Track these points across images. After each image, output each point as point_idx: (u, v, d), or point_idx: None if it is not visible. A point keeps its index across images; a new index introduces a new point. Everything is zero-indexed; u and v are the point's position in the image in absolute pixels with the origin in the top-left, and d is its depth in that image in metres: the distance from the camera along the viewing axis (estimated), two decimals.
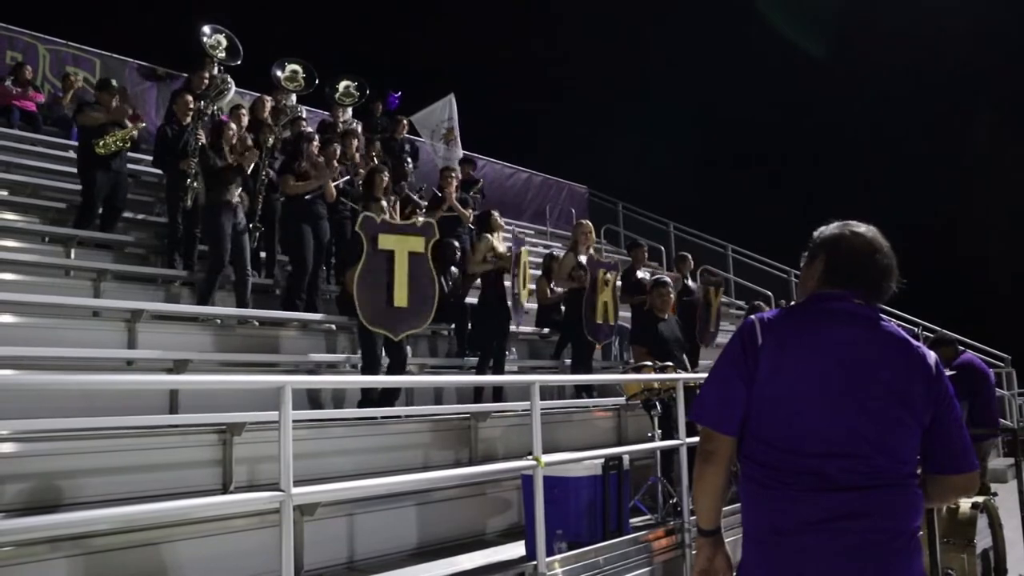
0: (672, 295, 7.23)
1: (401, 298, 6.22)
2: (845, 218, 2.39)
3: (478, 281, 8.24)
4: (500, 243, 8.17)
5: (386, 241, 6.26)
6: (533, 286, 8.83)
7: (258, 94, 10.31)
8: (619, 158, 24.01)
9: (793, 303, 2.42)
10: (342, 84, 10.63)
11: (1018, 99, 22.35)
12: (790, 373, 2.15)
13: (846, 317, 2.21)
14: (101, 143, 7.65)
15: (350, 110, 10.80)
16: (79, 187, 8.01)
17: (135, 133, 8.10)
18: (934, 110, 22.84)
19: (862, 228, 2.32)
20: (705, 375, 2.44)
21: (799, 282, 2.49)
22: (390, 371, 6.51)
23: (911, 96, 23.33)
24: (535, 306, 9.26)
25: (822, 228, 2.37)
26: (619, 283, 8.73)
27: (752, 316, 2.30)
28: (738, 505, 2.29)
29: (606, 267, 8.35)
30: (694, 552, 4.75)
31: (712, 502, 2.29)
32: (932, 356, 2.22)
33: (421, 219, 6.90)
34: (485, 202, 11.13)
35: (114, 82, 8.44)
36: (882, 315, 2.27)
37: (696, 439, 2.44)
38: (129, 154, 9.87)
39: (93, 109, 7.91)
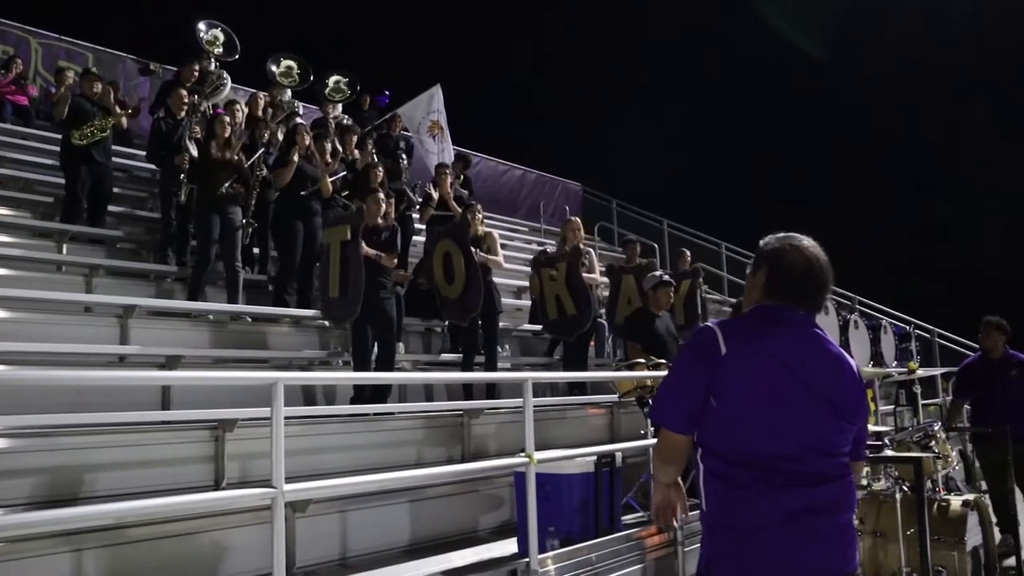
0: (673, 295, 7.33)
1: (335, 287, 6.67)
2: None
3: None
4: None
5: (325, 236, 6.98)
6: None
7: (252, 90, 10.27)
8: (614, 156, 24.01)
9: (743, 312, 2.59)
10: (332, 79, 10.56)
11: (1018, 99, 22.40)
12: (757, 381, 2.34)
13: (796, 328, 2.43)
14: (77, 133, 7.63)
15: (340, 106, 10.75)
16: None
17: (123, 121, 8.07)
18: (933, 110, 22.88)
19: (803, 242, 2.50)
20: None
21: (745, 290, 2.65)
22: (378, 366, 6.50)
23: (910, 96, 23.36)
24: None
25: (767, 238, 2.54)
26: (600, 273, 8.67)
27: (710, 323, 2.47)
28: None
29: (550, 262, 8.24)
30: (686, 551, 4.78)
31: (674, 475, 2.63)
32: (857, 365, 2.51)
33: (355, 205, 7.13)
34: (479, 198, 11.11)
35: (94, 69, 8.43)
36: (817, 325, 2.49)
37: None
38: (122, 148, 9.86)
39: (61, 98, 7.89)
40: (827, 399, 2.35)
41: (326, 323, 7.44)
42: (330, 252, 6.71)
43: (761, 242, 2.55)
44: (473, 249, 7.45)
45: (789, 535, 2.27)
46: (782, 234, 2.53)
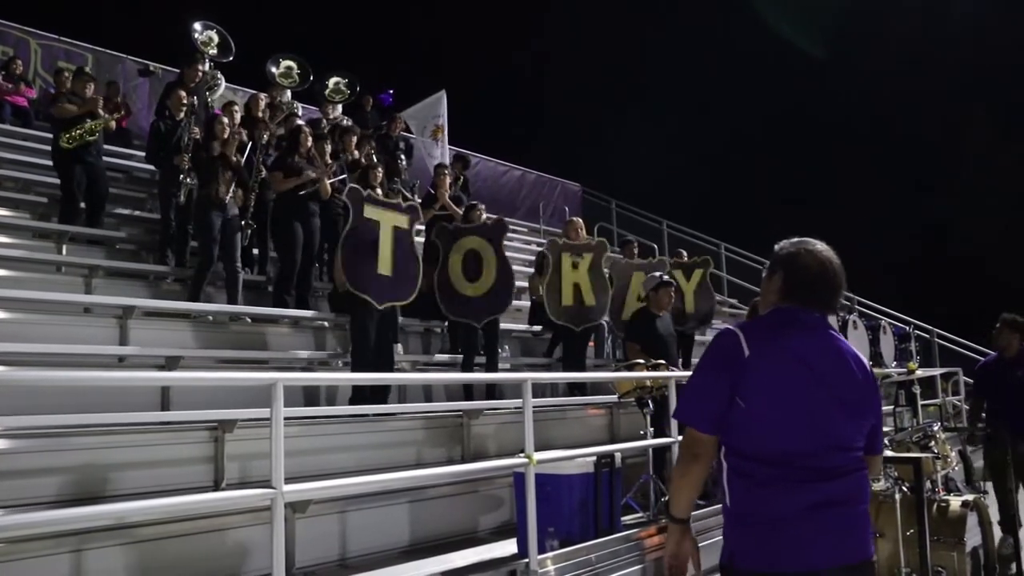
0: (674, 295, 7.33)
1: (385, 266, 6.35)
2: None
3: None
4: None
5: (371, 212, 6.42)
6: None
7: (252, 91, 10.28)
8: (613, 156, 24.01)
9: (761, 314, 2.67)
10: (332, 80, 10.61)
11: (1018, 99, 22.39)
12: (779, 382, 2.44)
13: (812, 329, 2.53)
14: (67, 136, 7.64)
15: (340, 107, 10.79)
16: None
17: (112, 124, 8.08)
18: (933, 110, 22.87)
19: (817, 246, 2.61)
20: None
21: (761, 293, 2.76)
22: (377, 367, 6.49)
23: (910, 96, 23.35)
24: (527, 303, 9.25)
25: (782, 243, 2.65)
26: (607, 270, 8.65)
27: (732, 326, 2.57)
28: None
29: (575, 249, 8.24)
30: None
31: (692, 495, 2.62)
32: (869, 363, 2.63)
33: (405, 202, 6.92)
34: (478, 199, 11.11)
35: (88, 69, 8.43)
36: (831, 326, 2.60)
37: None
38: (121, 149, 9.87)
39: (68, 101, 7.89)
40: (842, 396, 2.46)
41: (325, 323, 7.44)
42: (379, 230, 6.38)
43: (776, 246, 2.66)
44: None
45: (808, 527, 2.37)
46: (796, 239, 2.64)
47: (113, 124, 8.23)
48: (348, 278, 6.24)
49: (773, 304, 2.61)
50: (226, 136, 7.43)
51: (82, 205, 7.87)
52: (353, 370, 6.44)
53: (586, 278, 8.13)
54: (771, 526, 2.40)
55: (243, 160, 7.60)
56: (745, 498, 2.47)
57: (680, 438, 5.19)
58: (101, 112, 7.93)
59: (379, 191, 7.05)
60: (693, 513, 2.73)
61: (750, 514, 2.45)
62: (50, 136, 9.90)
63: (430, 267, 7.71)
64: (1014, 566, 5.70)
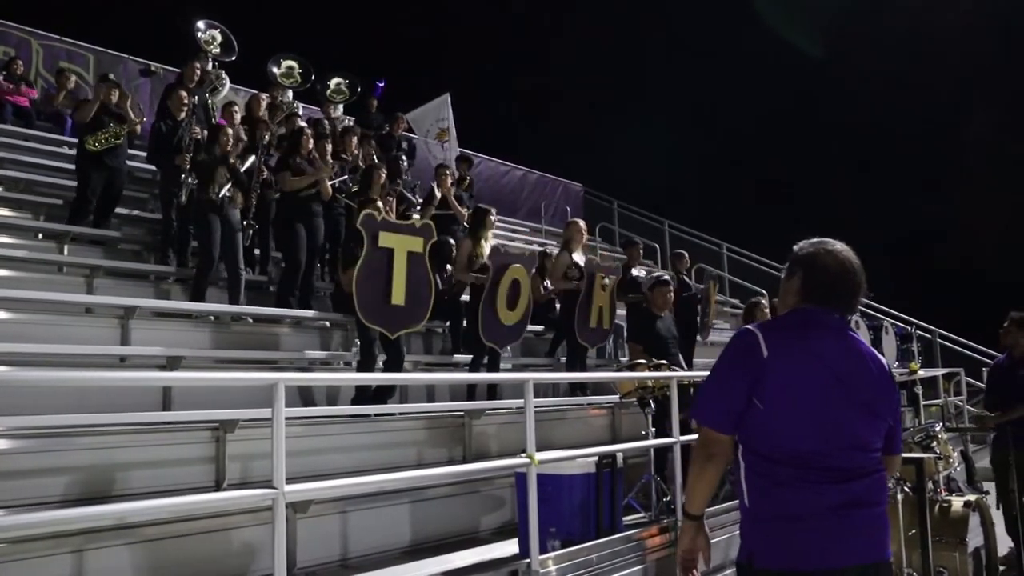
0: (672, 294, 7.29)
1: (399, 296, 6.29)
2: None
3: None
4: (488, 243, 8.00)
5: (387, 239, 6.31)
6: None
7: (253, 91, 10.29)
8: (615, 156, 24.01)
9: (780, 315, 2.68)
10: (333, 81, 10.66)
11: (1016, 99, 22.37)
12: (797, 383, 2.44)
13: (831, 330, 2.53)
14: (92, 139, 7.65)
15: (341, 107, 10.82)
16: (73, 183, 8.04)
17: (137, 128, 8.10)
18: (932, 111, 22.85)
19: (837, 247, 2.61)
20: (700, 373, 2.62)
21: (780, 294, 2.73)
22: (387, 368, 6.50)
23: (909, 96, 23.34)
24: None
25: (801, 244, 2.64)
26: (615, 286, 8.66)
27: (751, 327, 2.56)
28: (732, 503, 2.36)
29: (605, 271, 8.29)
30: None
31: (707, 494, 2.62)
32: (888, 364, 2.64)
33: (418, 221, 6.91)
34: (480, 199, 11.12)
35: (112, 75, 8.45)
36: (851, 327, 2.60)
37: (691, 437, 2.60)
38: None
39: (89, 101, 7.91)
40: (860, 397, 2.46)
41: (327, 323, 7.44)
42: (393, 258, 6.28)
43: (795, 247, 2.66)
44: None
45: (828, 528, 2.37)
46: (815, 239, 2.64)
47: (138, 128, 8.26)
48: (360, 311, 6.21)
49: (792, 305, 2.61)
50: (229, 147, 7.40)
51: (92, 206, 7.87)
52: (359, 369, 6.45)
53: (608, 302, 8.27)
54: (792, 526, 2.40)
55: (244, 163, 7.58)
56: (763, 498, 2.47)
57: (682, 438, 5.20)
58: (133, 116, 7.96)
59: (380, 203, 7.00)
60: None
61: (768, 514, 2.45)
62: (51, 136, 10.01)
63: (432, 266, 7.72)
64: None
